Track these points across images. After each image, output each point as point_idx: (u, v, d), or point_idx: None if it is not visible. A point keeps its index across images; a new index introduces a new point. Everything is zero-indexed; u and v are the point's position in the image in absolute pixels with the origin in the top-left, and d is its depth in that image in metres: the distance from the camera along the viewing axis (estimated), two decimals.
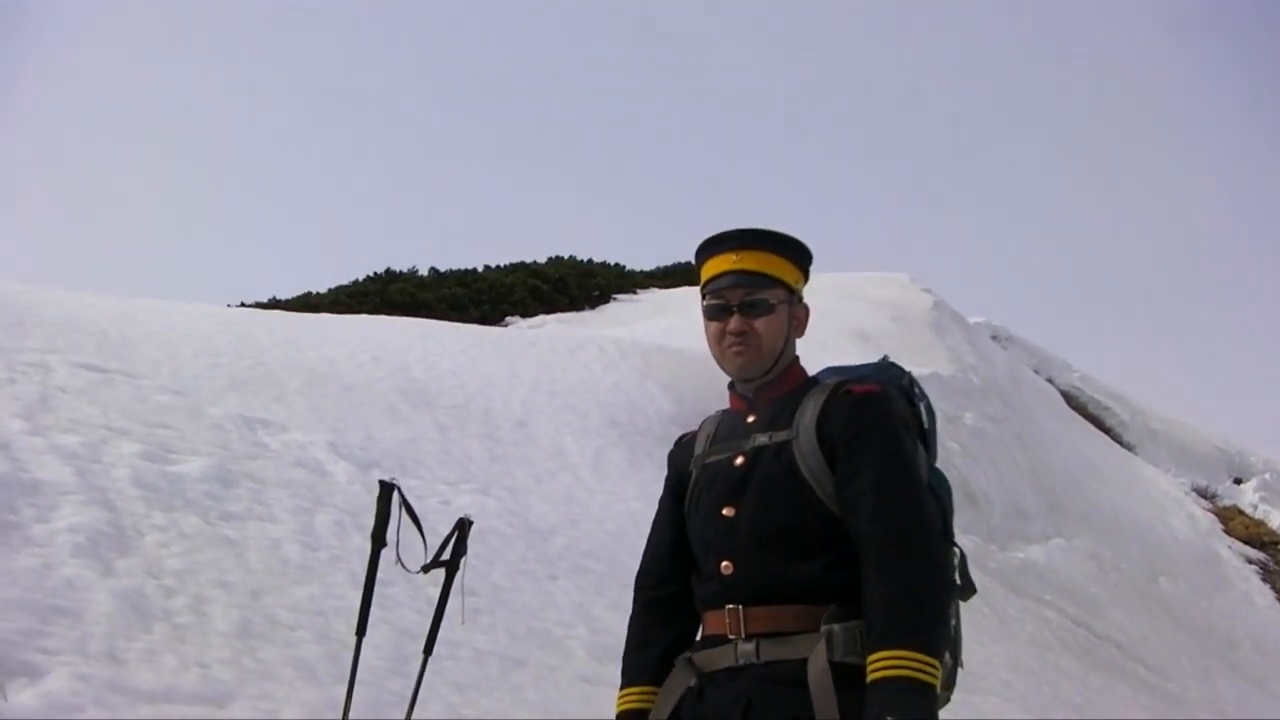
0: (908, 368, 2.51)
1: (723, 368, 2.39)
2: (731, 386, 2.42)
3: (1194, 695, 11.84)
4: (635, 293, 25.04)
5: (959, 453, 13.99)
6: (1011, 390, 19.26)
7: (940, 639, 2.09)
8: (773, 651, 2.16)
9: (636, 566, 2.51)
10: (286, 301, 21.75)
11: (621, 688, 2.41)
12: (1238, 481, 23.41)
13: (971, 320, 22.87)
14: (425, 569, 3.57)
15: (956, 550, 2.33)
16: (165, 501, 5.39)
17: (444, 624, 3.71)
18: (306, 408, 8.12)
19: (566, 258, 26.42)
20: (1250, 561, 18.87)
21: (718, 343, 2.36)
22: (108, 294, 10.71)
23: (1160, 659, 12.53)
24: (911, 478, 2.21)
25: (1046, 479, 16.37)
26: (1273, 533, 20.58)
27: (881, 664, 2.02)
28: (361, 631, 3.54)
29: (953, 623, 2.24)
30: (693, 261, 2.47)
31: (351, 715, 3.48)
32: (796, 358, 2.41)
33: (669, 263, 27.54)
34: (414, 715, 3.62)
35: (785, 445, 2.26)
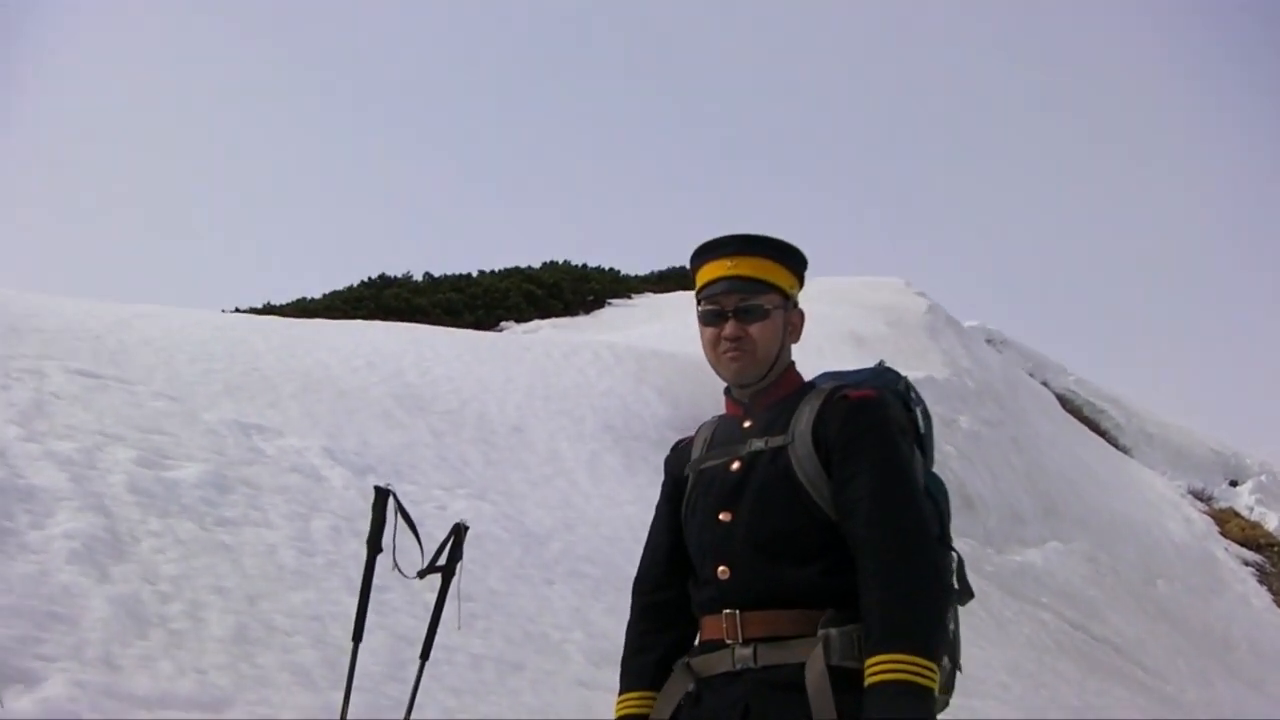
0: (903, 372, 2.52)
1: (718, 373, 2.40)
2: (728, 392, 2.42)
3: (1191, 697, 11.84)
4: (630, 297, 25.03)
5: (954, 456, 13.99)
6: (1007, 394, 19.27)
7: (938, 643, 2.09)
8: (770, 656, 2.17)
9: (633, 571, 2.51)
10: (281, 307, 21.74)
11: (620, 693, 2.41)
12: (1234, 484, 23.42)
13: (966, 324, 22.87)
14: (421, 574, 3.57)
15: (954, 555, 2.34)
16: (161, 507, 5.39)
17: (440, 629, 3.71)
18: (301, 413, 8.12)
19: (561, 262, 26.41)
20: (1247, 563, 18.88)
21: (713, 348, 2.36)
22: (103, 299, 10.70)
23: (1157, 661, 12.54)
24: (908, 482, 2.21)
25: (1042, 482, 16.38)
26: (1269, 535, 20.58)
27: (879, 668, 2.02)
28: (358, 637, 3.54)
29: (951, 627, 2.25)
30: (688, 267, 2.47)
31: None
32: (792, 363, 2.41)
33: (664, 267, 27.57)
34: None
35: (781, 450, 2.26)
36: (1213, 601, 16.38)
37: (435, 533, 4.23)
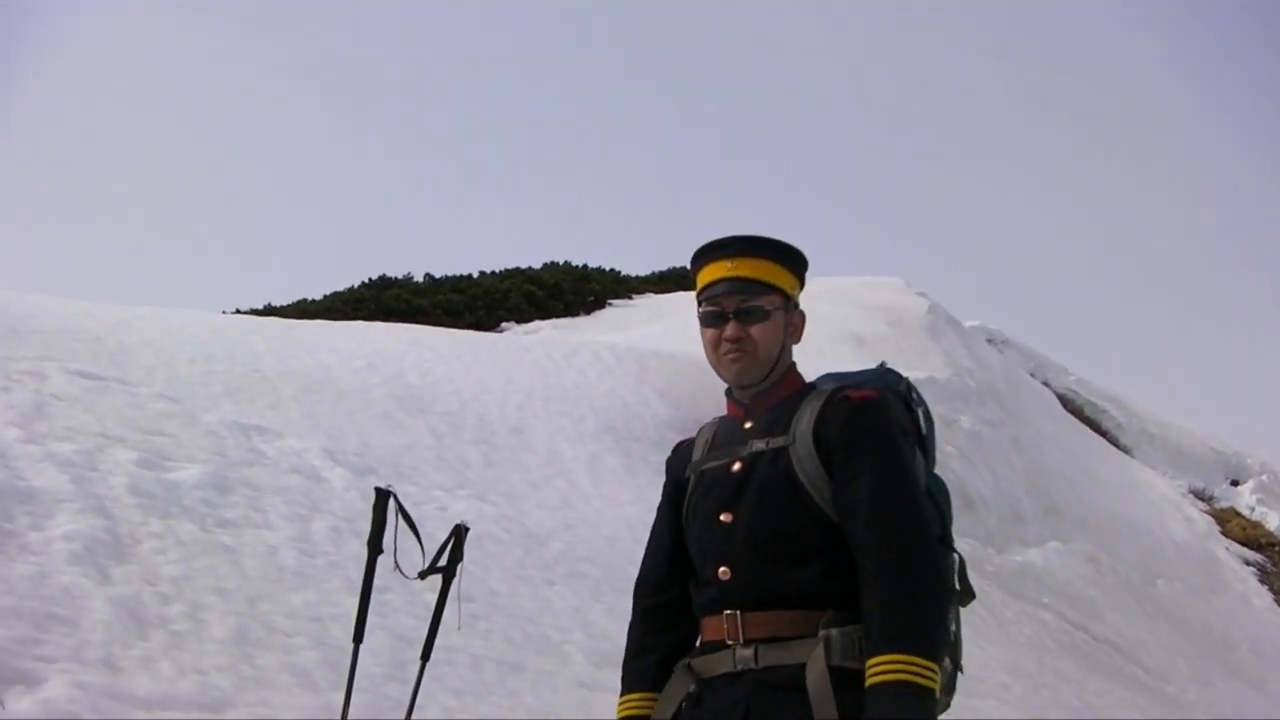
0: (903, 372, 2.52)
1: (719, 374, 2.40)
2: (729, 393, 2.42)
3: (1192, 697, 11.84)
4: (631, 298, 25.04)
5: (955, 456, 13.99)
6: (1007, 394, 19.27)
7: (939, 643, 2.09)
8: (771, 657, 2.17)
9: (633, 572, 2.51)
10: (282, 308, 21.75)
11: (621, 694, 2.41)
12: (1235, 483, 23.42)
13: (967, 324, 22.86)
14: (422, 575, 3.57)
15: (956, 556, 2.34)
16: (161, 509, 5.39)
17: (441, 630, 3.71)
18: (302, 414, 8.12)
19: (562, 263, 26.41)
20: (1248, 563, 18.88)
21: (714, 349, 2.36)
22: (103, 300, 10.71)
23: (1158, 661, 12.54)
24: (909, 483, 2.21)
25: (1043, 482, 16.37)
26: (1270, 534, 20.58)
27: (880, 668, 2.02)
28: (359, 638, 3.54)
29: (953, 628, 2.25)
30: (688, 267, 2.47)
31: None
32: (793, 364, 2.41)
33: (664, 268, 27.58)
34: None
35: (782, 451, 2.26)
36: (1213, 601, 16.37)
37: (436, 534, 4.24)
